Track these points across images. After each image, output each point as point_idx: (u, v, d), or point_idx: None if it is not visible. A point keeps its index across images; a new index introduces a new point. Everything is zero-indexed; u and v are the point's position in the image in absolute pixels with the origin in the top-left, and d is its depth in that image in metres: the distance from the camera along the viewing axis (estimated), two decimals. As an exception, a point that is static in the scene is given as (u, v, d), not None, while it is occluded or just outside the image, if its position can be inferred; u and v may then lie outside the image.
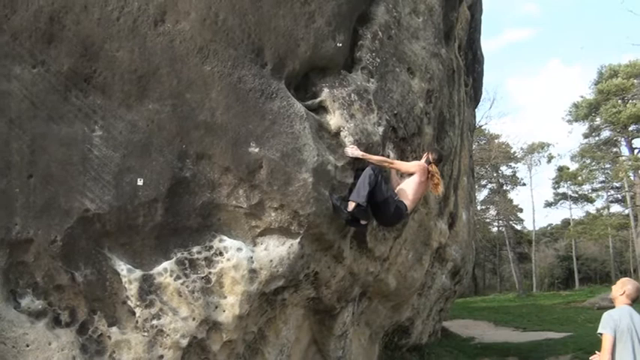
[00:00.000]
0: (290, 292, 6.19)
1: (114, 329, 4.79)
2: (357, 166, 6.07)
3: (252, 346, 6.29)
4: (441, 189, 6.51)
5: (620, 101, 33.63)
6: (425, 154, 6.61)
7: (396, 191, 6.23)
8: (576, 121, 38.53)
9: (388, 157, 6.51)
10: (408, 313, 10.85)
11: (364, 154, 5.97)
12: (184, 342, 4.95)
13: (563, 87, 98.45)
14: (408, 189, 6.24)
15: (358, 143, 5.99)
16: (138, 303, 4.82)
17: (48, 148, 4.57)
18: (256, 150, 5.21)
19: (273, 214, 5.40)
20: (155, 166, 4.90)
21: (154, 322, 4.85)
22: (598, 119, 36.70)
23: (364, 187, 5.77)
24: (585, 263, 51.43)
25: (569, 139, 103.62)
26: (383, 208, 6.02)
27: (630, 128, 34.24)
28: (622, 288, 5.15)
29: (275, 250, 5.47)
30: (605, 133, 37.17)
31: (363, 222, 6.14)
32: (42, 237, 4.50)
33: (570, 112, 38.74)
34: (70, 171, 4.62)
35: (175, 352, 4.92)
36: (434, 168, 6.42)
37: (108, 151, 4.74)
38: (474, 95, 15.72)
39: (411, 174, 6.34)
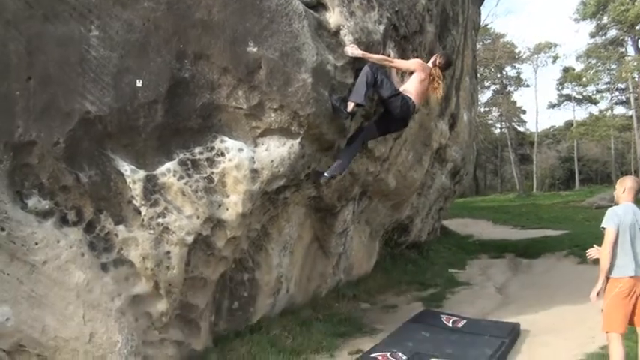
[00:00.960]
0: (291, 191, 6.32)
1: (120, 227, 4.93)
2: (357, 65, 6.00)
3: (256, 242, 6.52)
4: (440, 93, 6.46)
5: (628, -1, 32.55)
6: (434, 56, 6.50)
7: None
8: (583, 19, 37.51)
9: (389, 56, 6.44)
10: (407, 212, 11.12)
11: (364, 53, 5.87)
12: (190, 239, 5.12)
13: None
14: (410, 87, 6.15)
15: (358, 42, 5.90)
16: (143, 202, 4.93)
17: (45, 48, 4.50)
18: (255, 49, 5.14)
19: (273, 115, 5.42)
20: (153, 67, 4.85)
21: (160, 220, 4.99)
22: (605, 18, 35.70)
23: (363, 87, 5.74)
24: (586, 165, 51.81)
25: (575, 40, 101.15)
26: (390, 105, 5.98)
27: (637, 27, 33.33)
28: (622, 186, 5.25)
29: (276, 151, 5.53)
30: (612, 33, 36.33)
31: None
32: (44, 139, 4.52)
33: (578, 10, 37.69)
34: (69, 72, 4.58)
35: (181, 248, 5.10)
36: (437, 71, 6.34)
37: (105, 52, 4.67)
38: (479, -8, 15.24)
39: (411, 72, 6.25)
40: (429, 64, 6.34)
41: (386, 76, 5.96)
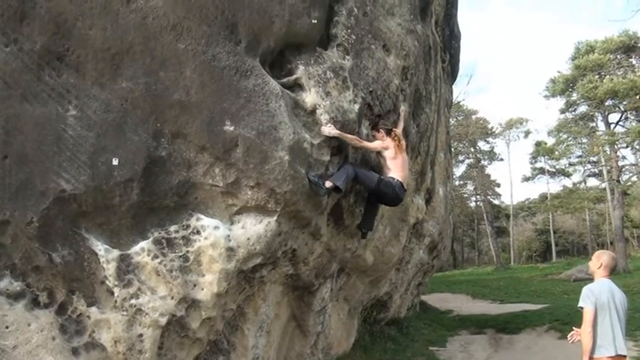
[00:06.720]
0: (268, 269, 6.24)
1: (93, 309, 4.79)
2: (333, 143, 6.11)
3: (231, 322, 6.36)
4: (403, 146, 6.85)
5: (596, 77, 33.76)
6: (378, 134, 6.85)
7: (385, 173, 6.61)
8: (553, 96, 38.59)
9: (360, 136, 6.58)
10: (386, 287, 11.01)
11: (340, 132, 6.01)
12: (163, 320, 4.99)
13: (542, 64, 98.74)
14: (391, 167, 6.60)
15: (334, 121, 6.02)
16: (116, 283, 4.82)
17: (23, 128, 4.51)
18: (231, 128, 5.20)
19: (249, 193, 5.42)
20: (130, 146, 4.87)
21: (133, 301, 4.87)
22: (575, 94, 36.87)
23: (343, 174, 6.16)
24: (563, 236, 52.40)
25: (546, 115, 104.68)
26: (382, 190, 6.44)
27: (606, 103, 34.40)
28: (598, 261, 5.22)
29: (252, 228, 5.50)
30: (582, 109, 37.38)
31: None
32: (18, 218, 4.46)
33: (547, 87, 38.89)
34: (45, 151, 4.57)
35: (155, 331, 4.95)
36: (397, 132, 6.85)
37: (82, 131, 4.69)
38: (451, 71, 15.81)
39: (379, 152, 6.70)
40: (383, 137, 6.76)
41: (366, 170, 6.46)
